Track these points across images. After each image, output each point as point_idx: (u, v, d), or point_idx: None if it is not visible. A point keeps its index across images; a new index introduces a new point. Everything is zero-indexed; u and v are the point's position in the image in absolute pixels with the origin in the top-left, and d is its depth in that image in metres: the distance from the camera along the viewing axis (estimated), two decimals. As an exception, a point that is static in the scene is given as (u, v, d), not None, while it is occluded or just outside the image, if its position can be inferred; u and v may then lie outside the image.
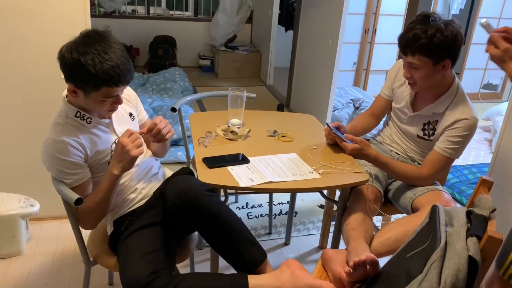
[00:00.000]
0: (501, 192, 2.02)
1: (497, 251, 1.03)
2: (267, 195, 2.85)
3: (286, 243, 2.44)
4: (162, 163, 3.16)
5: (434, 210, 1.19)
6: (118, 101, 1.44)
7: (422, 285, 1.04)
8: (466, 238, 1.06)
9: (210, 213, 1.34)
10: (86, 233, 1.71)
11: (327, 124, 1.82)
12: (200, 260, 2.23)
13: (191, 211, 1.33)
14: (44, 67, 2.14)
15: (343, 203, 1.72)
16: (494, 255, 1.03)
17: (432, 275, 1.02)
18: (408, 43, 1.65)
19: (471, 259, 1.02)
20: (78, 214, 1.49)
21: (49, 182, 1.48)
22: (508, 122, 1.98)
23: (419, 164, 1.91)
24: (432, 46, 1.61)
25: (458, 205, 2.92)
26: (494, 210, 1.14)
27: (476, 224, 1.09)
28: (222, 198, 1.92)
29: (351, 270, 1.28)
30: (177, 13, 5.88)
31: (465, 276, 1.01)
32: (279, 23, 5.40)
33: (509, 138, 1.97)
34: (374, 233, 1.66)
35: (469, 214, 1.15)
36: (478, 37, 5.13)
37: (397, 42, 1.73)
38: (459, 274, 1.00)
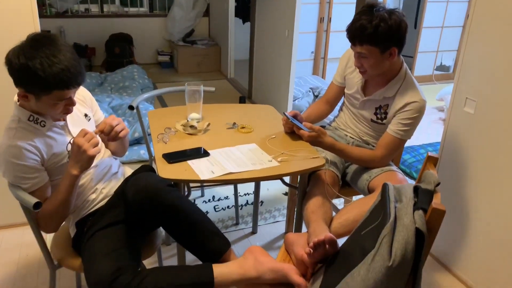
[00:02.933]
0: (452, 166, 2.13)
1: (441, 222, 1.10)
2: (232, 187, 2.88)
3: (254, 231, 2.49)
4: (125, 163, 3.15)
5: (384, 189, 1.26)
6: (71, 103, 1.43)
7: (375, 259, 1.10)
8: (413, 211, 1.13)
9: (171, 207, 1.36)
10: (49, 237, 1.70)
11: (284, 113, 1.87)
12: (168, 256, 2.24)
13: (152, 207, 1.35)
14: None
15: (303, 189, 1.78)
16: (438, 226, 1.11)
17: (383, 249, 1.09)
18: (355, 34, 1.72)
19: (418, 231, 1.09)
20: (38, 218, 1.47)
21: (7, 189, 1.45)
22: (455, 100, 2.09)
23: (373, 146, 1.99)
24: (377, 35, 1.68)
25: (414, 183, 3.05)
26: (438, 184, 1.21)
27: (422, 198, 1.17)
28: (185, 193, 1.94)
29: (312, 251, 1.34)
30: (132, 9, 5.79)
31: (413, 247, 1.08)
32: (236, 15, 5.41)
33: (457, 115, 2.08)
34: (334, 214, 1.72)
35: (416, 189, 1.22)
36: (429, 21, 5.31)
37: (345, 32, 1.79)
38: (408, 246, 1.07)
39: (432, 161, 1.38)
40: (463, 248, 2.12)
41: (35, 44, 1.30)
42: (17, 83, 1.34)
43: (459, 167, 2.09)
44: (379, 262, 1.08)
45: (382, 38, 1.69)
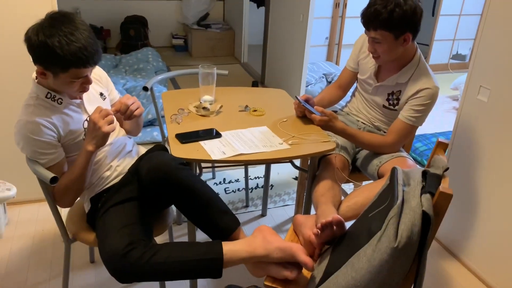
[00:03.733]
0: (463, 154, 2.13)
1: (448, 206, 1.11)
2: (243, 170, 2.91)
3: (263, 214, 2.52)
4: (138, 143, 3.19)
5: (393, 172, 1.27)
6: (87, 81, 1.46)
7: (381, 240, 1.12)
8: (421, 195, 1.14)
9: (183, 185, 1.39)
10: (64, 212, 1.75)
11: (296, 97, 1.88)
12: (179, 235, 2.29)
13: (165, 184, 1.38)
14: (11, 52, 2.13)
15: (313, 172, 1.80)
16: (445, 210, 1.12)
17: (389, 231, 1.11)
18: (370, 19, 1.71)
19: (425, 214, 1.10)
20: (54, 192, 1.52)
21: (24, 167, 1.49)
22: (469, 88, 2.08)
23: (385, 132, 2.00)
24: (392, 20, 1.67)
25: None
26: (447, 169, 1.22)
27: (430, 182, 1.18)
28: (197, 173, 1.97)
29: (319, 232, 1.36)
30: (147, -8, 5.78)
31: (419, 229, 1.09)
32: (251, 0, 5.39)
33: (470, 103, 2.07)
34: (342, 198, 1.74)
35: (424, 173, 1.23)
36: (447, 8, 5.22)
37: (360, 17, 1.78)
38: (414, 228, 1.09)
39: (442, 146, 1.39)
40: (471, 236, 2.12)
41: (54, 22, 1.33)
42: (36, 60, 1.37)
43: (470, 154, 2.09)
44: (385, 243, 1.10)
45: (396, 24, 1.68)
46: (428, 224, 1.11)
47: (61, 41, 1.31)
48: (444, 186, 1.13)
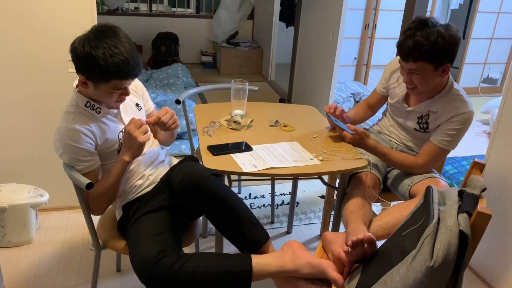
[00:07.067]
0: (496, 179, 2.08)
1: (486, 227, 1.09)
2: (269, 186, 2.91)
3: (288, 231, 2.50)
4: (166, 156, 3.22)
5: (428, 191, 1.25)
6: (125, 93, 1.51)
7: (416, 259, 1.10)
8: (458, 214, 1.12)
9: (215, 195, 1.41)
10: (95, 219, 1.78)
11: (327, 114, 1.89)
12: (204, 248, 2.30)
13: (197, 193, 1.40)
14: (53, 61, 2.21)
15: (343, 189, 1.79)
16: (483, 230, 1.10)
17: (425, 249, 1.08)
18: (410, 50, 1.65)
19: (462, 234, 1.08)
20: (88, 199, 1.55)
21: (57, 174, 1.53)
22: (503, 112, 2.04)
23: (417, 153, 1.97)
24: (435, 52, 1.63)
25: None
26: (484, 189, 1.20)
27: (467, 202, 1.16)
28: (226, 186, 1.98)
29: (350, 249, 1.34)
30: (179, 10, 5.95)
31: (456, 249, 1.07)
32: (280, 19, 5.46)
33: (504, 128, 2.03)
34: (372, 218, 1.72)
35: (461, 193, 1.21)
36: (478, 31, 5.17)
37: (396, 48, 1.73)
38: (450, 247, 1.07)
39: (478, 167, 1.36)
40: (507, 264, 2.05)
41: (99, 35, 1.38)
42: (79, 69, 1.42)
43: (504, 179, 2.03)
44: (420, 262, 1.08)
45: (438, 55, 1.64)
46: (465, 244, 1.08)
47: (105, 53, 1.36)
48: (482, 206, 1.10)
